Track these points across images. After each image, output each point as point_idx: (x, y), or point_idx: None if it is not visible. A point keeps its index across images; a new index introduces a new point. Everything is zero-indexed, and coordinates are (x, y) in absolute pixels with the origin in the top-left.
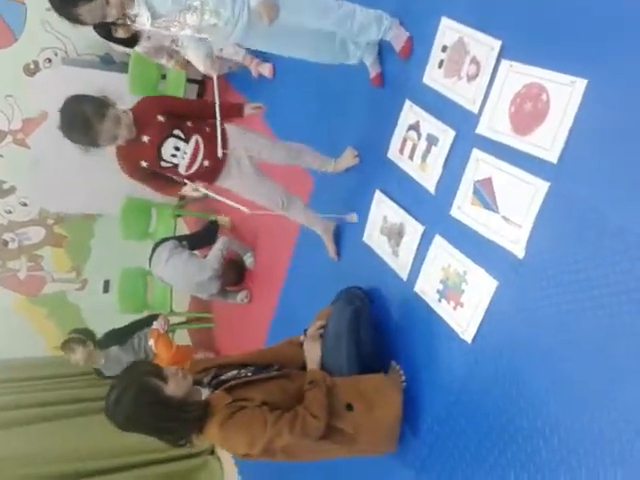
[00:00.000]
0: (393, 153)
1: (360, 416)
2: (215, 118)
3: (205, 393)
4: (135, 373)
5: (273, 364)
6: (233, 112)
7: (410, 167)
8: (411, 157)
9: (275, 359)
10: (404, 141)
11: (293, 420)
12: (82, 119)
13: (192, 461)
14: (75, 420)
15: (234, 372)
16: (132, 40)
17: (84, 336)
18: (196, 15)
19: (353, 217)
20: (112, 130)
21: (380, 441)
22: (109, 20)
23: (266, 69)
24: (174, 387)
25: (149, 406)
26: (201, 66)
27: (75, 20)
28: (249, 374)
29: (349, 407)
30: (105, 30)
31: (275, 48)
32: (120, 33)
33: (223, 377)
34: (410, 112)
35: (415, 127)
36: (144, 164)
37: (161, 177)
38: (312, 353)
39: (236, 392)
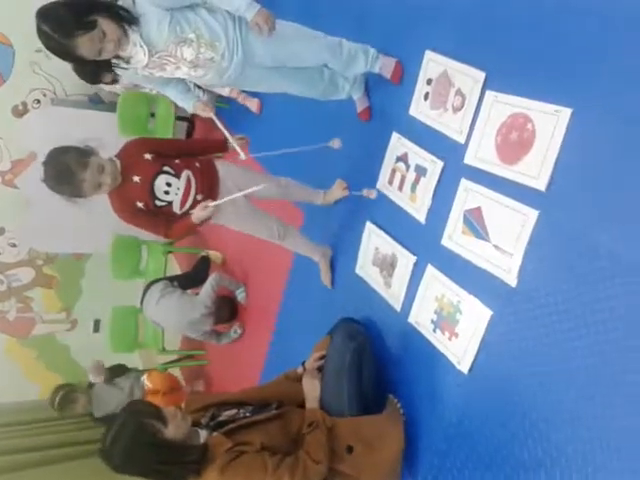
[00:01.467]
0: (382, 184)
1: (361, 458)
2: (202, 155)
3: (203, 435)
4: (132, 413)
5: (271, 402)
6: (216, 148)
7: (400, 198)
8: (400, 188)
9: (273, 396)
10: (393, 172)
11: (294, 465)
12: (64, 169)
13: None
14: (64, 465)
15: (233, 412)
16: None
17: (68, 386)
18: (192, 48)
19: (372, 192)
20: (95, 178)
21: None
22: (104, 57)
23: (254, 104)
24: (173, 430)
25: (147, 448)
26: (190, 109)
27: (71, 55)
28: (248, 414)
29: (349, 449)
30: (89, 73)
31: (267, 87)
32: (107, 79)
33: (221, 418)
34: (398, 144)
35: (403, 159)
36: (140, 204)
37: (159, 218)
38: (311, 391)
39: (236, 435)
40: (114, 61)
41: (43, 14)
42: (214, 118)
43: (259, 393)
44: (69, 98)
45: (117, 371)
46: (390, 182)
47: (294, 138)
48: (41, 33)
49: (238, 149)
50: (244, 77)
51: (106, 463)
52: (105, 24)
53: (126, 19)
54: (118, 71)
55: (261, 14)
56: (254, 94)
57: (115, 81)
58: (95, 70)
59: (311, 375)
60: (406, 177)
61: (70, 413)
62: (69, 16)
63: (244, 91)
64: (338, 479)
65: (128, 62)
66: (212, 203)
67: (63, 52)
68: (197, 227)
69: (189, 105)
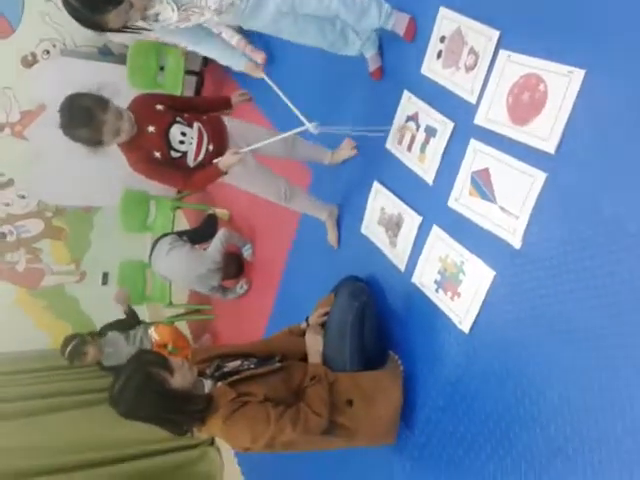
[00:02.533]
0: (391, 144)
1: (360, 411)
2: (208, 112)
3: (208, 385)
4: (141, 363)
5: (275, 355)
6: (221, 105)
7: (408, 158)
8: (409, 148)
9: (277, 349)
10: (403, 132)
11: (295, 417)
12: (84, 111)
13: (191, 452)
14: (72, 412)
15: (237, 363)
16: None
17: (79, 337)
18: None
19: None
20: (115, 122)
21: (379, 434)
22: (131, 23)
23: (259, 56)
24: (180, 379)
25: (153, 397)
26: (241, 68)
27: (102, 28)
28: (252, 366)
29: (349, 403)
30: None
31: (277, 32)
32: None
33: (226, 369)
34: (408, 103)
35: (413, 118)
36: (157, 154)
37: (175, 169)
38: (314, 345)
39: (239, 386)
40: (140, 23)
41: None
42: (266, 79)
43: (263, 346)
44: (78, 49)
45: (127, 323)
46: (400, 142)
47: (304, 96)
48: (68, 5)
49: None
50: (255, 17)
51: (114, 409)
52: None
53: None
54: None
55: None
56: (261, 46)
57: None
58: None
59: (314, 331)
60: (416, 137)
61: (80, 364)
62: None
63: (252, 42)
64: (337, 431)
65: (156, 20)
66: (241, 150)
67: (90, 24)
68: (222, 175)
69: (239, 64)
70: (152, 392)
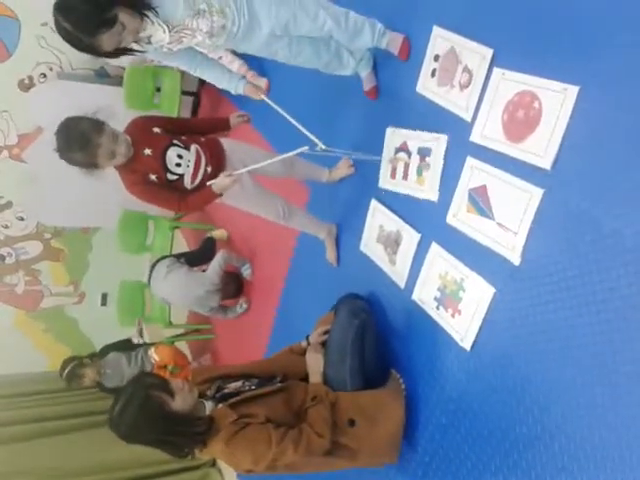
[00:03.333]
0: (384, 180)
1: (362, 431)
2: (207, 133)
3: (209, 406)
4: (140, 385)
5: (276, 375)
6: (220, 126)
7: (406, 187)
8: (405, 177)
9: (278, 369)
10: (394, 164)
11: (297, 438)
12: (80, 135)
13: (193, 474)
14: (71, 435)
15: (238, 384)
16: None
17: (77, 359)
18: (206, 18)
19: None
20: (110, 146)
21: (382, 454)
22: (123, 45)
23: (262, 83)
24: (180, 402)
25: (153, 420)
26: (239, 91)
27: (95, 50)
28: (253, 387)
29: (351, 422)
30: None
31: (272, 54)
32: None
33: (227, 390)
34: (393, 136)
35: (402, 149)
36: (153, 177)
37: (171, 191)
38: (315, 365)
39: (240, 407)
40: (133, 45)
41: (63, 9)
42: (267, 101)
43: (264, 366)
44: (75, 72)
45: (128, 343)
46: (393, 175)
47: (299, 116)
48: (60, 28)
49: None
50: (249, 39)
51: (114, 433)
52: (124, 16)
53: (143, 6)
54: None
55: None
56: (262, 73)
57: (120, 51)
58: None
59: (315, 350)
60: (410, 164)
61: (77, 386)
62: (91, 13)
63: (253, 69)
64: (340, 452)
65: (149, 42)
66: (235, 172)
67: (83, 47)
68: (217, 197)
69: (238, 88)
70: (152, 415)
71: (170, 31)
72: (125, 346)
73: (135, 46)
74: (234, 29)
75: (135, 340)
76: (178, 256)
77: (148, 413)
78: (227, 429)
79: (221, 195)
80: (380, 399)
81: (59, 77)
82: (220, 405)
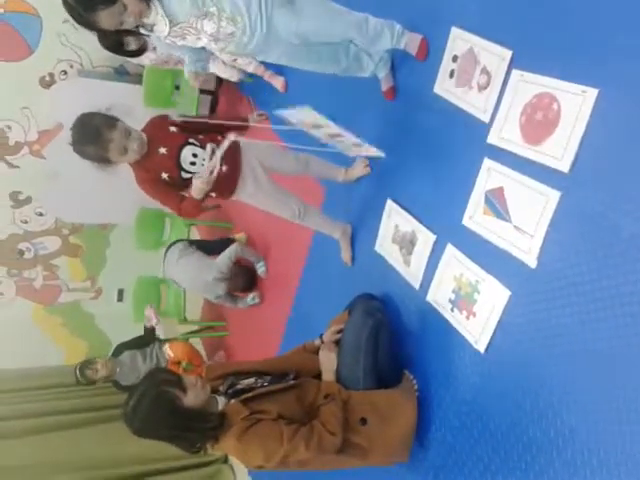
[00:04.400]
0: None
1: (374, 430)
2: (220, 133)
3: (222, 402)
4: (154, 381)
5: (289, 372)
6: (238, 125)
7: None
8: None
9: (291, 366)
10: None
11: (309, 435)
12: (91, 129)
13: (205, 470)
14: (85, 429)
15: (251, 380)
16: (138, 51)
17: (89, 362)
18: (213, 22)
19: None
20: (122, 141)
21: (393, 453)
22: (125, 27)
23: (279, 83)
24: (192, 397)
25: (166, 416)
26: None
27: (92, 26)
28: (265, 383)
29: (363, 421)
30: (112, 43)
31: (291, 61)
32: (132, 45)
33: (239, 386)
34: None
35: None
36: (165, 176)
37: (177, 193)
38: (328, 363)
39: (252, 404)
40: (138, 29)
41: None
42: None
43: (277, 363)
44: (95, 69)
45: (143, 340)
46: None
47: (319, 112)
48: (65, 3)
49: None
50: (267, 51)
51: (127, 427)
52: None
53: None
54: (152, 41)
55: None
56: (279, 72)
57: (142, 51)
58: (117, 40)
59: (328, 348)
60: None
61: (89, 379)
62: None
63: (269, 68)
64: (351, 450)
65: (151, 30)
66: (205, 175)
67: (85, 23)
68: (201, 202)
69: (190, 68)
70: (165, 410)
71: (174, 26)
72: (139, 343)
73: (141, 30)
74: (244, 39)
75: (148, 324)
76: (191, 242)
77: (161, 408)
78: (239, 425)
79: (202, 200)
80: (393, 399)
81: (79, 74)
82: (232, 401)
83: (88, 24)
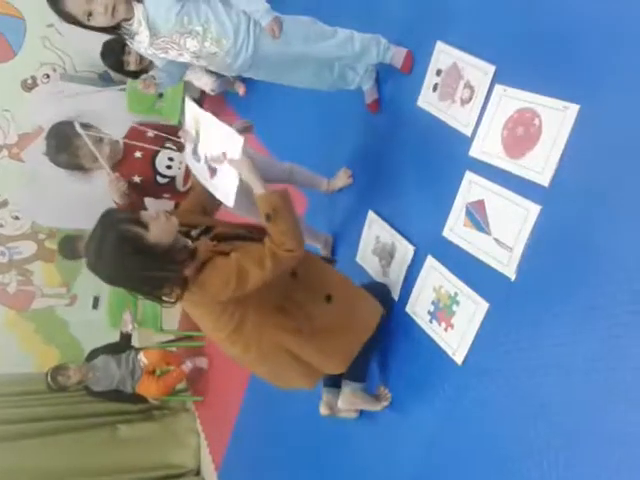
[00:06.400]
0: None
1: (334, 313)
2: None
3: (188, 243)
4: (109, 222)
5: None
6: None
7: None
8: None
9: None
10: None
11: (264, 255)
12: (62, 137)
13: None
14: (54, 438)
15: (224, 228)
16: (140, 73)
17: (61, 367)
18: (197, 41)
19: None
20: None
21: (334, 355)
22: (96, 23)
23: (240, 88)
24: (157, 232)
25: (132, 255)
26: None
27: (60, 12)
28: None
29: (328, 298)
30: (114, 62)
31: (277, 79)
32: (132, 65)
33: (213, 232)
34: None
35: None
36: (137, 179)
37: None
38: (243, 168)
39: (222, 245)
40: (120, 34)
41: None
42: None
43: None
44: (79, 74)
45: (118, 347)
46: None
47: (302, 127)
48: None
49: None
50: (252, 70)
51: (96, 275)
52: None
53: None
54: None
55: (276, 21)
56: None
57: (142, 72)
58: (115, 53)
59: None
60: None
61: (61, 385)
62: None
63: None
64: (300, 319)
65: (132, 38)
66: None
67: (54, 8)
68: (122, 206)
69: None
70: (129, 250)
71: (156, 39)
72: (114, 349)
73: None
74: (227, 60)
75: (124, 330)
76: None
77: (124, 249)
78: (203, 254)
79: (123, 204)
80: (367, 303)
81: (62, 79)
82: (202, 239)
83: (55, 4)
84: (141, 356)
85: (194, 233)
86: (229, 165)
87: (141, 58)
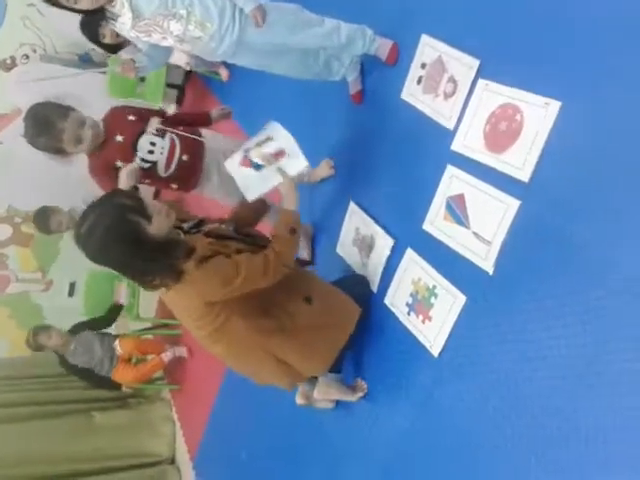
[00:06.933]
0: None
1: (313, 314)
2: (186, 126)
3: (188, 240)
4: (114, 205)
5: (251, 232)
6: (201, 121)
7: None
8: None
9: (253, 219)
10: None
11: (266, 262)
12: (43, 120)
13: (151, 470)
14: (27, 424)
15: (215, 225)
16: (115, 47)
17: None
18: (180, 24)
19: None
20: (75, 130)
21: (315, 355)
22: (81, 6)
23: (224, 73)
24: (157, 226)
25: (126, 243)
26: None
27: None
28: (230, 229)
29: (308, 300)
30: (92, 33)
31: (261, 67)
32: (107, 38)
33: (204, 228)
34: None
35: None
36: (119, 164)
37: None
38: (292, 195)
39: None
40: (104, 15)
41: None
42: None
43: (240, 213)
44: (59, 55)
45: (101, 322)
46: None
47: (285, 115)
48: None
49: None
50: (236, 56)
51: (81, 250)
52: None
53: None
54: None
55: (259, 10)
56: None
57: (120, 46)
58: (94, 24)
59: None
60: None
61: (38, 347)
62: None
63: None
64: (282, 318)
65: (115, 20)
66: (134, 163)
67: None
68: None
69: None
70: (124, 238)
71: (139, 21)
72: (99, 323)
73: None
74: (211, 44)
75: (117, 301)
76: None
77: (121, 236)
78: (203, 250)
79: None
80: (344, 304)
81: (42, 60)
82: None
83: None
84: (116, 344)
85: (186, 226)
86: (277, 173)
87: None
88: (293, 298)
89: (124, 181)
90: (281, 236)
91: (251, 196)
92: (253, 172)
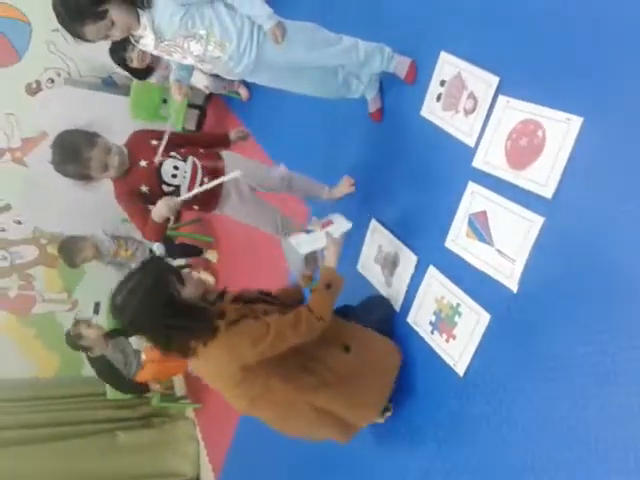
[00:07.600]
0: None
1: (352, 363)
2: (206, 148)
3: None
4: (154, 266)
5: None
6: (220, 142)
7: None
8: None
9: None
10: None
11: (297, 321)
12: (72, 148)
13: None
14: (53, 444)
15: (237, 292)
16: (144, 72)
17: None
18: (200, 44)
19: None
20: (102, 158)
21: (365, 402)
22: (112, 40)
23: (244, 92)
24: (190, 290)
25: (162, 304)
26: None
27: (79, 37)
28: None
29: (346, 349)
30: (120, 58)
31: (280, 85)
32: (134, 62)
33: (228, 296)
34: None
35: None
36: (144, 189)
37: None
38: (333, 252)
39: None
40: (130, 37)
41: None
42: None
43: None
44: (83, 79)
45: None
46: None
47: (305, 134)
48: (55, 10)
49: None
50: (255, 75)
51: (117, 316)
52: (115, 14)
53: (141, 4)
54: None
55: (279, 27)
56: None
57: (147, 70)
58: (121, 49)
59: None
60: None
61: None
62: (83, 3)
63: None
64: (320, 371)
65: (137, 41)
66: (178, 199)
67: (71, 32)
68: (163, 227)
69: (175, 76)
70: (163, 299)
71: (161, 42)
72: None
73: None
74: (230, 64)
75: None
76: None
77: (159, 296)
78: (232, 314)
79: (163, 225)
80: (384, 346)
81: (66, 83)
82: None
83: (74, 33)
84: (142, 354)
85: (210, 297)
86: (323, 235)
87: (143, 55)
88: (331, 349)
89: (162, 212)
90: (317, 290)
91: (303, 250)
92: (305, 235)
